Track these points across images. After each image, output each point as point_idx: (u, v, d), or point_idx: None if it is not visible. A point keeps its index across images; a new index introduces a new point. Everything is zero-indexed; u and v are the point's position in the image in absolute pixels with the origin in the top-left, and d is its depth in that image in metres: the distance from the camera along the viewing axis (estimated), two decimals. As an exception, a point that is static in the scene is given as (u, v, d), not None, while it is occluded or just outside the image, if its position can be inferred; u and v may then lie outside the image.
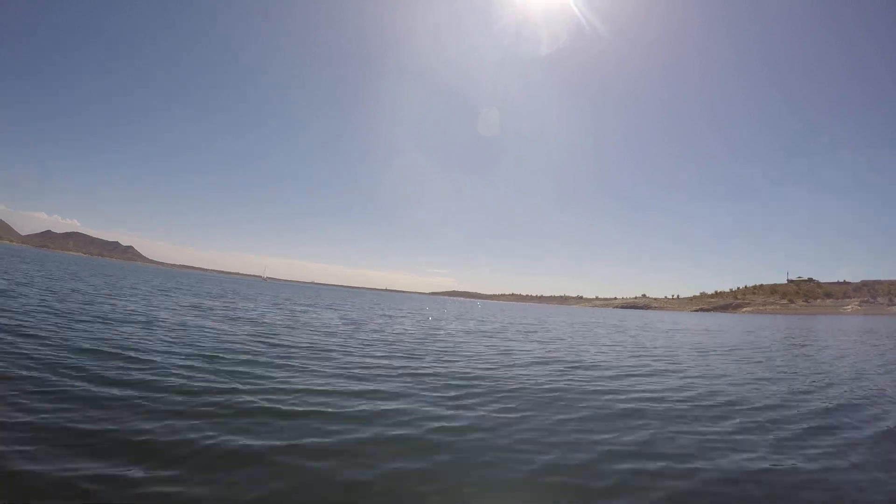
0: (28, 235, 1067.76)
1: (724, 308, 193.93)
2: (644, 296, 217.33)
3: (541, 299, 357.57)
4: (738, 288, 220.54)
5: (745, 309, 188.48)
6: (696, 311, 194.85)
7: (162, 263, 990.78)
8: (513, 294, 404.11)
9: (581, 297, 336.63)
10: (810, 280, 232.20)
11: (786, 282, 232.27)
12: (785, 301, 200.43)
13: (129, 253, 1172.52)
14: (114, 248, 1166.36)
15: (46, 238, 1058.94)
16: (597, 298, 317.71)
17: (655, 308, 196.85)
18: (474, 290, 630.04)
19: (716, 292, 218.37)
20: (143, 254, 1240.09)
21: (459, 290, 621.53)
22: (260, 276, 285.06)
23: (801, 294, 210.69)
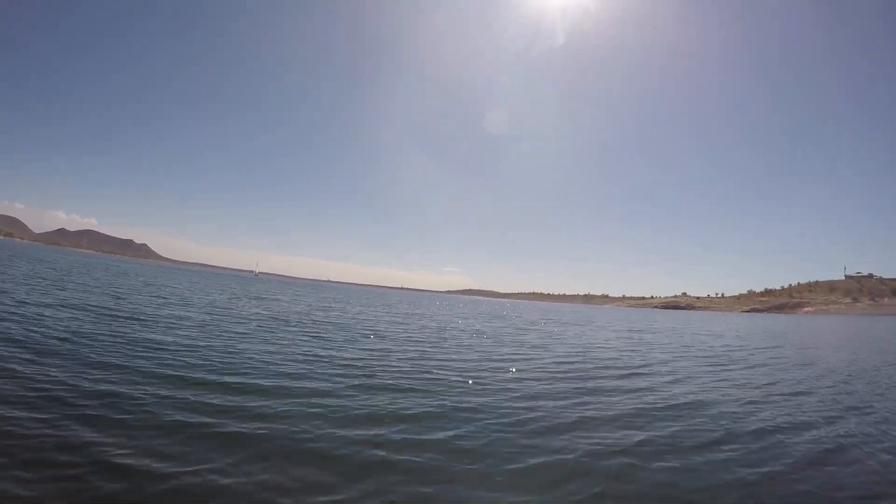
0: (41, 233, 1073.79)
1: (779, 308, 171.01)
2: (684, 294, 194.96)
3: (563, 298, 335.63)
4: (791, 285, 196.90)
5: (806, 309, 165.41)
6: (749, 311, 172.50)
7: (175, 261, 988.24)
8: (533, 293, 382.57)
9: (606, 296, 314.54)
10: (871, 276, 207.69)
11: (843, 278, 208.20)
12: (849, 300, 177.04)
13: (142, 251, 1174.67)
14: (127, 245, 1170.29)
15: (59, 236, 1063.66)
16: (623, 297, 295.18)
17: (700, 308, 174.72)
18: (490, 289, 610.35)
19: (766, 290, 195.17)
20: (157, 251, 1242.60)
21: (475, 288, 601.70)
22: (252, 272, 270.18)
23: (865, 292, 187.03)
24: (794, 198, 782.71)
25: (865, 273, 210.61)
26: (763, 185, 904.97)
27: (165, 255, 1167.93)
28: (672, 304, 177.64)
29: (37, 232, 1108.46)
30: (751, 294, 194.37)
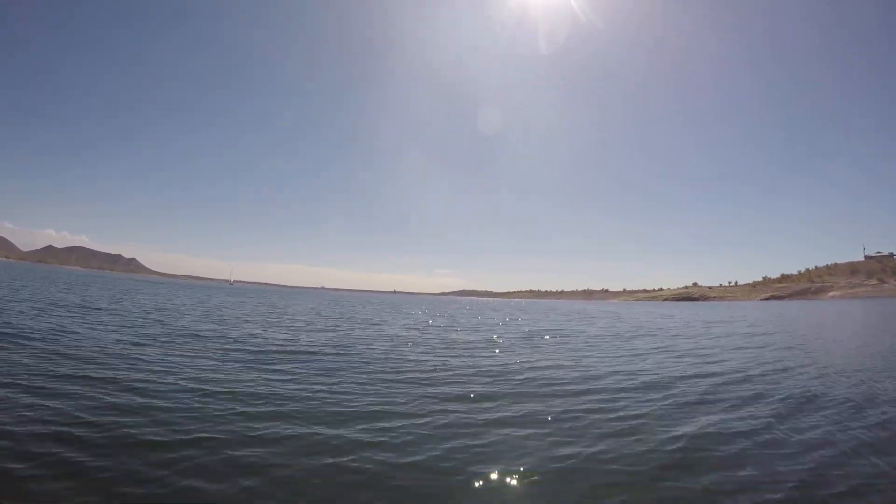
0: (28, 251, 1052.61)
1: (801, 294, 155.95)
2: (696, 284, 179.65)
3: (562, 295, 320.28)
4: (809, 269, 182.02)
5: (831, 293, 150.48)
6: (767, 299, 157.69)
7: (164, 274, 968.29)
8: (530, 291, 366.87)
9: (607, 291, 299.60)
10: (892, 255, 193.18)
11: (863, 259, 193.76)
12: (874, 281, 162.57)
13: (131, 265, 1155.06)
14: (116, 260, 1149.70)
15: (47, 253, 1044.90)
16: (625, 291, 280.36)
17: (714, 298, 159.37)
18: (484, 289, 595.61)
19: (782, 276, 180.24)
20: (146, 265, 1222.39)
21: (469, 288, 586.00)
22: (227, 281, 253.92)
23: (889, 272, 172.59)
24: (795, 184, 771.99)
25: (885, 252, 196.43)
26: (759, 174, 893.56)
27: (155, 269, 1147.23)
28: (684, 296, 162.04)
29: (24, 250, 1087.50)
30: (766, 281, 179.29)
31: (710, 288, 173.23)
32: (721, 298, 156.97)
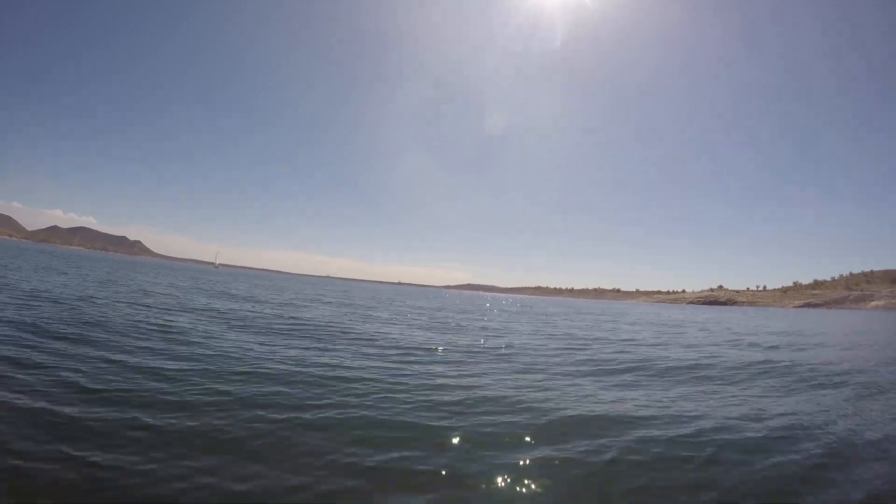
0: (33, 231, 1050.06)
1: (839, 302, 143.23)
2: (721, 287, 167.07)
3: (572, 293, 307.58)
4: (844, 276, 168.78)
5: (874, 303, 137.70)
6: (802, 306, 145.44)
7: (169, 258, 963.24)
8: (538, 287, 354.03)
9: (619, 290, 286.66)
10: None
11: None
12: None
13: (135, 247, 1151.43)
14: (120, 242, 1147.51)
15: (51, 233, 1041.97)
16: (637, 292, 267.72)
17: (743, 303, 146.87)
18: (489, 284, 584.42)
19: (815, 282, 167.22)
20: (151, 248, 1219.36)
21: (474, 283, 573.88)
22: (212, 264, 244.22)
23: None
24: (808, 194, 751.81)
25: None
26: (769, 185, 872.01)
27: (159, 252, 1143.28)
28: (710, 300, 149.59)
29: (29, 230, 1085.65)
30: (797, 286, 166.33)
31: (737, 292, 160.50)
32: (751, 303, 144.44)
